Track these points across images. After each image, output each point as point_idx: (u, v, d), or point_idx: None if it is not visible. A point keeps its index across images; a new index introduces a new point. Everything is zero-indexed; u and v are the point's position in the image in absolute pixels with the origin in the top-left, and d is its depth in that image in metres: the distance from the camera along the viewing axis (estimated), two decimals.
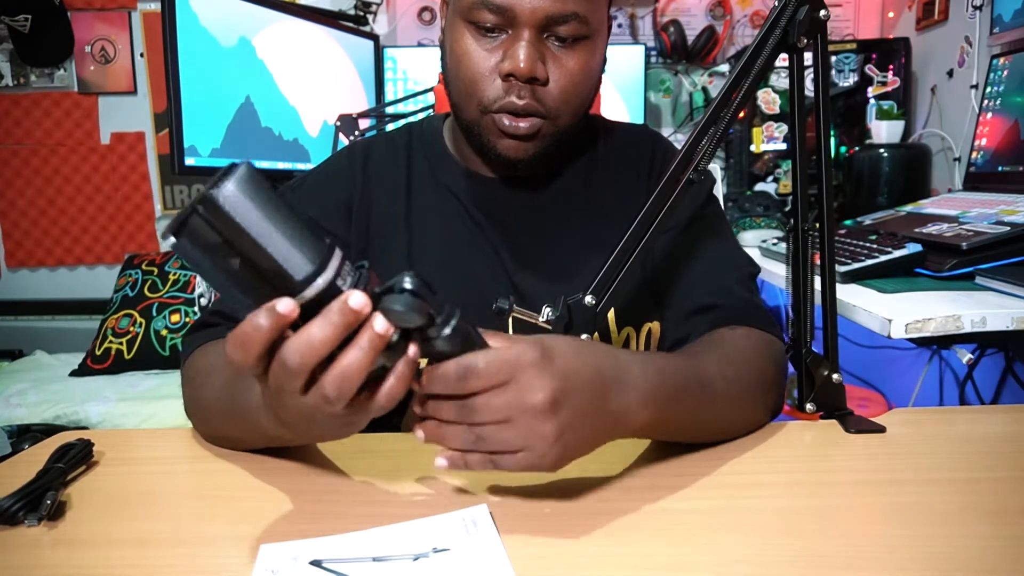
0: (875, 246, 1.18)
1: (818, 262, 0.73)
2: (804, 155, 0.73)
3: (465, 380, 0.46)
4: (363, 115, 1.91)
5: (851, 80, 2.13)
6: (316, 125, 2.16)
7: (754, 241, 1.71)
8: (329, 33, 2.18)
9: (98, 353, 2.11)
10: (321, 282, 0.41)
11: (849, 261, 1.15)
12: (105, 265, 2.70)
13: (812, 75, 0.71)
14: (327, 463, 0.63)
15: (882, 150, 1.85)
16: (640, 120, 2.47)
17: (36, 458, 0.62)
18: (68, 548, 0.51)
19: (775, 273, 1.25)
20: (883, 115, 1.92)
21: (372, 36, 2.36)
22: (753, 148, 2.20)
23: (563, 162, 0.81)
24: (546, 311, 0.66)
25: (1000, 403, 1.59)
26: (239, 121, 1.93)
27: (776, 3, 0.69)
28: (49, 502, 0.54)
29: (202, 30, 1.81)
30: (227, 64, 1.88)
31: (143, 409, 1.82)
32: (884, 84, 2.11)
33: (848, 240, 1.28)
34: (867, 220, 1.48)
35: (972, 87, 1.84)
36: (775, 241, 1.56)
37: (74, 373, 2.10)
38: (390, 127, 1.68)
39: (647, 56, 2.49)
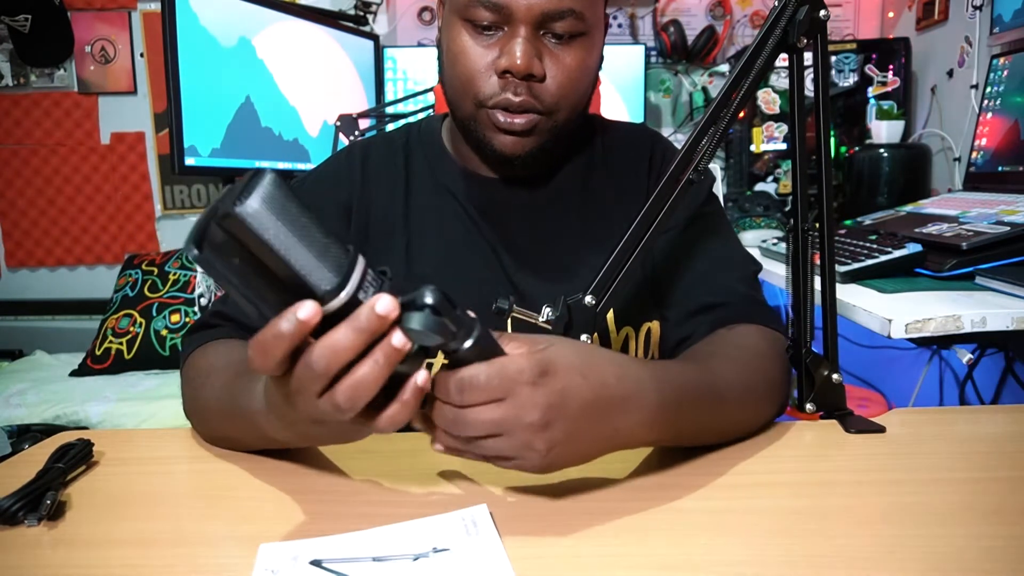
0: (875, 246, 1.18)
1: (818, 262, 0.73)
2: (804, 155, 0.73)
3: (464, 393, 0.47)
4: (363, 115, 1.91)
5: (851, 80, 2.12)
6: (316, 125, 2.16)
7: (754, 241, 1.71)
8: (329, 33, 2.18)
9: (98, 353, 2.11)
10: (344, 295, 0.41)
11: (849, 261, 1.15)
12: (105, 265, 2.70)
13: (812, 75, 0.71)
14: (327, 463, 0.63)
15: (882, 150, 1.85)
16: (640, 120, 2.47)
17: (36, 458, 0.62)
18: (68, 548, 0.51)
19: (775, 273, 1.24)
20: (883, 115, 1.92)
21: (372, 36, 2.37)
22: (753, 148, 2.20)
23: (562, 161, 0.81)
24: (546, 311, 0.66)
25: (1000, 403, 1.59)
26: (239, 121, 1.93)
27: (776, 3, 0.69)
28: (49, 502, 0.54)
29: (202, 30, 1.81)
30: (227, 64, 1.88)
31: (143, 409, 1.82)
32: (884, 84, 2.10)
33: (848, 240, 1.28)
34: (867, 220, 1.48)
35: (972, 87, 1.84)
36: (775, 241, 1.56)
37: (74, 373, 2.09)
38: (390, 127, 1.68)
39: (647, 56, 2.49)
